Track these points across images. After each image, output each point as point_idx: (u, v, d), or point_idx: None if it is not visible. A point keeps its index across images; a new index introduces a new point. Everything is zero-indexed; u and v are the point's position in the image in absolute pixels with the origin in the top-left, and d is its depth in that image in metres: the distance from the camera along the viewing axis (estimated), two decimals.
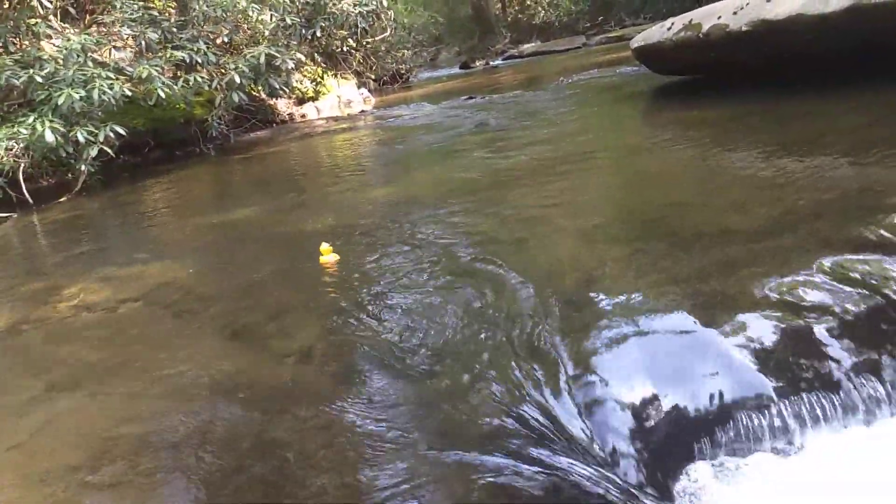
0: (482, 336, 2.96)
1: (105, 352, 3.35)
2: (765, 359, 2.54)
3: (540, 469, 2.17)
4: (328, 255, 4.10)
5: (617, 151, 5.91)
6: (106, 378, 3.04)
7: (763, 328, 2.65)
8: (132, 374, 3.03)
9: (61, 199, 8.11)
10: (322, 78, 14.24)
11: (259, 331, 3.35)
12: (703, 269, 3.12)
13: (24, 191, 8.05)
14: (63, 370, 3.22)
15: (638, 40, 7.97)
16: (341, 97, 14.45)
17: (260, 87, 11.16)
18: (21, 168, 8.12)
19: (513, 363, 2.73)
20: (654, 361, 2.58)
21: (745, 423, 2.38)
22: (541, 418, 2.47)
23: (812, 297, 2.75)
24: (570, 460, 2.18)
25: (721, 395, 2.47)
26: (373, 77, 17.50)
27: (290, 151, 9.74)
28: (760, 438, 2.36)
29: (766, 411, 2.40)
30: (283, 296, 3.81)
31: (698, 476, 2.25)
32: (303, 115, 13.53)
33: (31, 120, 7.73)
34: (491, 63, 21.02)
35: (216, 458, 2.34)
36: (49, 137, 7.57)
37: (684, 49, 7.02)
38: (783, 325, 2.64)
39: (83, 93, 7.81)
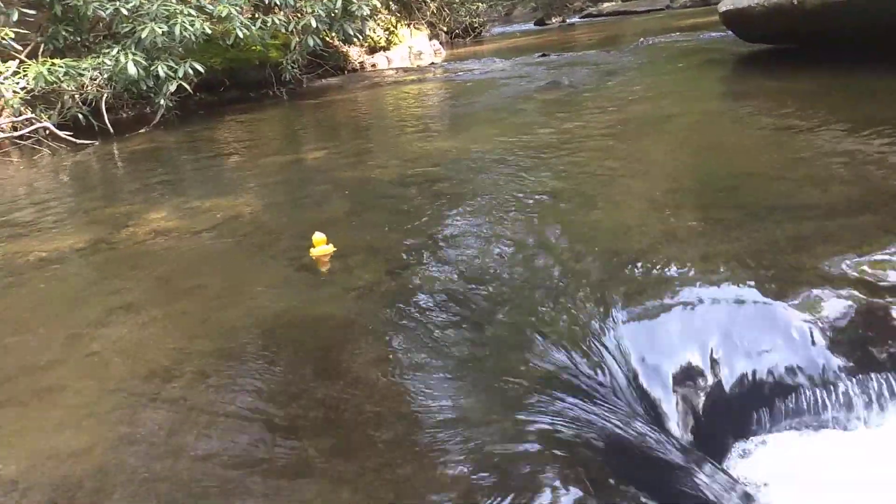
0: (543, 290, 2.96)
1: (179, 275, 3.50)
2: (835, 336, 2.47)
3: (592, 423, 2.19)
4: (321, 247, 3.53)
5: (693, 117, 5.72)
6: (179, 298, 3.18)
7: (835, 305, 2.56)
8: (203, 297, 3.16)
9: (139, 131, 8.40)
10: (395, 27, 14.16)
11: (325, 267, 3.43)
12: (775, 242, 3.02)
13: (106, 120, 8.38)
14: (139, 288, 3.38)
15: (726, 4, 7.62)
16: (412, 48, 14.37)
17: (334, 33, 11.18)
18: (104, 98, 8.44)
19: (572, 320, 2.73)
20: (717, 330, 2.54)
21: (808, 398, 2.33)
22: (596, 375, 2.48)
23: (891, 277, 2.64)
24: (623, 416, 2.19)
25: (785, 368, 2.42)
26: (445, 29, 17.30)
27: (359, 99, 9.79)
28: (823, 415, 2.31)
29: (832, 388, 2.34)
30: (349, 236, 3.88)
31: (756, 447, 2.23)
32: (373, 65, 13.54)
33: (114, 52, 7.98)
34: (567, 20, 20.46)
35: (281, 379, 2.44)
36: (131, 70, 7.81)
37: (775, 16, 6.68)
38: (857, 304, 2.55)
39: (165, 28, 8.00)
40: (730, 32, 8.29)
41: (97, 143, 7.80)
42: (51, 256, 4.00)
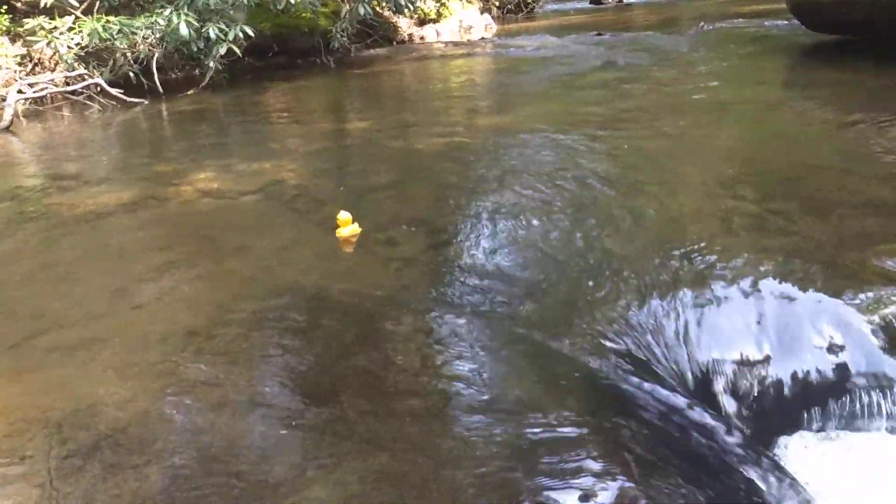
0: (588, 273, 2.89)
1: (223, 235, 3.52)
2: (892, 337, 2.37)
3: (635, 407, 2.14)
4: (346, 228, 3.37)
5: (754, 105, 5.53)
6: (223, 258, 3.20)
7: (894, 306, 2.45)
8: (248, 258, 3.18)
9: (188, 92, 8.46)
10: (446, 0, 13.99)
11: (367, 236, 3.41)
12: (838, 238, 2.91)
13: (156, 80, 8.46)
14: (184, 246, 3.41)
15: None
16: (462, 22, 14.19)
17: (385, 3, 11.08)
18: (155, 58, 8.52)
19: (619, 305, 2.66)
20: (772, 324, 2.45)
21: (862, 399, 2.24)
22: (642, 361, 2.42)
23: None
24: (671, 403, 2.13)
25: (840, 368, 2.33)
26: (497, 4, 17.05)
27: (406, 71, 9.71)
28: (876, 417, 2.22)
29: (888, 391, 2.24)
30: (392, 207, 3.85)
31: (806, 443, 2.15)
32: (422, 37, 13.41)
33: (167, 12, 8.02)
34: (625, 1, 19.97)
35: (323, 343, 2.43)
36: (183, 30, 7.85)
37: (847, 5, 6.40)
38: None
39: None
40: (795, 21, 7.98)
41: (146, 102, 7.89)
42: (98, 210, 4.06)
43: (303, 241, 3.39)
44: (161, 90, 8.37)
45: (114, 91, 7.98)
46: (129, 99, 7.92)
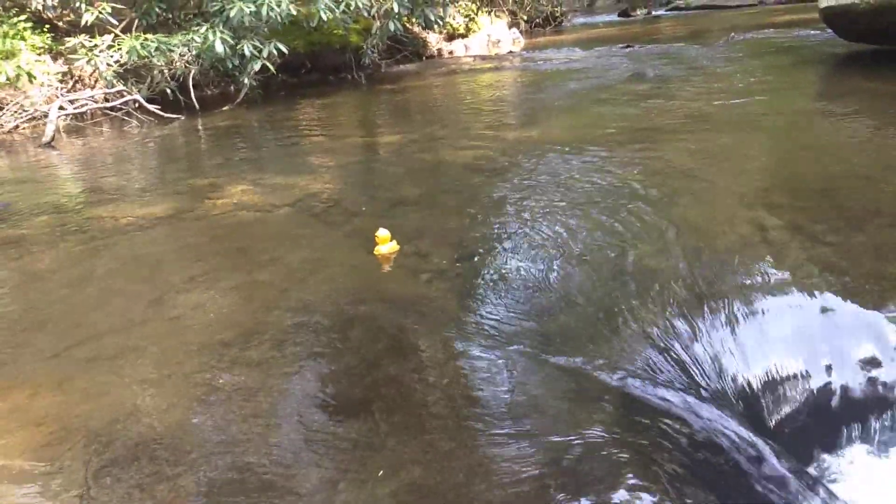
0: (619, 286, 2.87)
1: (257, 247, 3.58)
2: None
3: (669, 419, 2.11)
4: (385, 245, 3.32)
5: (787, 116, 5.46)
6: (257, 270, 3.24)
7: None
8: (281, 270, 3.22)
9: (223, 108, 8.62)
10: (475, 14, 14.07)
11: (389, 265, 3.44)
12: (877, 249, 2.85)
13: (192, 96, 8.65)
14: (219, 257, 3.47)
15: (827, 0, 7.22)
16: (490, 36, 14.25)
17: (415, 19, 11.19)
18: (191, 74, 8.72)
19: (650, 319, 2.64)
20: (810, 338, 2.41)
21: None
22: (673, 374, 2.39)
23: None
24: (711, 412, 2.10)
25: (880, 383, 2.27)
26: (525, 18, 17.09)
27: (435, 86, 9.78)
28: None
29: None
30: (422, 219, 3.87)
31: (847, 459, 2.10)
32: (451, 52, 13.51)
33: (203, 30, 8.21)
34: (653, 12, 19.85)
35: (354, 354, 2.45)
36: (219, 48, 8.02)
37: (883, 14, 6.29)
38: None
39: (253, 7, 8.17)
40: (829, 31, 7.86)
41: (183, 118, 8.06)
42: (136, 222, 4.15)
43: (334, 254, 3.43)
44: (197, 106, 8.55)
45: (151, 107, 8.18)
46: (166, 115, 8.10)
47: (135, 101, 8.24)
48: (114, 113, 8.24)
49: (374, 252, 3.31)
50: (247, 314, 2.77)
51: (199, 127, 7.71)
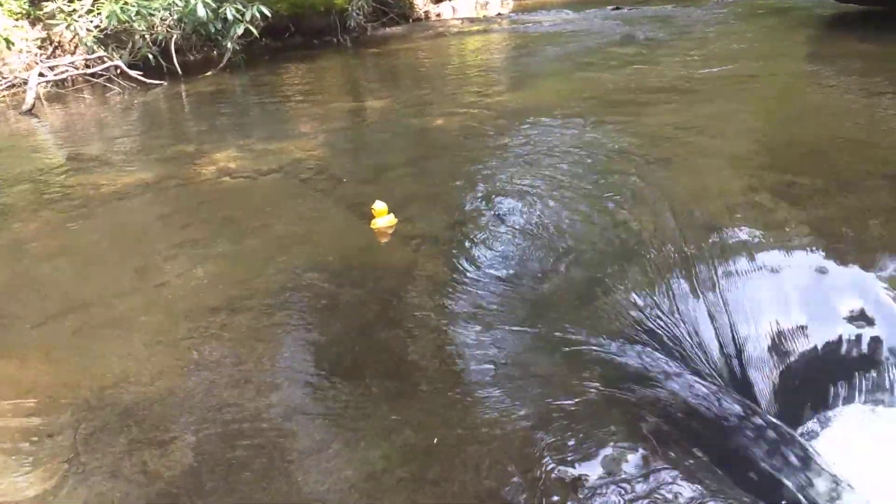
0: (609, 250, 2.87)
1: (244, 214, 3.53)
2: None
3: (657, 380, 2.12)
4: (383, 218, 3.23)
5: (777, 78, 5.42)
6: (244, 237, 3.21)
7: None
8: (268, 237, 3.18)
9: (206, 74, 8.46)
10: None
11: (386, 239, 3.41)
12: (866, 210, 2.85)
13: (175, 62, 8.47)
14: (205, 225, 3.43)
15: None
16: None
17: None
18: (173, 39, 8.53)
19: (642, 281, 2.64)
20: (800, 298, 2.42)
21: (892, 374, 2.20)
22: (664, 336, 2.40)
23: None
24: (697, 374, 2.11)
25: (867, 341, 2.29)
26: None
27: (423, 49, 9.63)
28: None
29: None
30: (411, 185, 3.84)
31: (831, 420, 2.12)
32: (438, 14, 13.27)
33: None
34: None
35: (345, 320, 2.44)
36: (200, 11, 7.85)
37: None
38: None
39: None
40: None
41: (165, 84, 7.91)
42: (120, 190, 4.08)
43: (322, 220, 3.39)
44: (180, 72, 8.38)
45: (133, 73, 8.01)
46: (148, 81, 7.94)
47: (116, 67, 8.06)
48: (95, 79, 8.07)
49: (371, 226, 3.24)
50: (234, 281, 2.75)
51: (183, 93, 7.57)
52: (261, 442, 1.87)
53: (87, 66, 8.13)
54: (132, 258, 3.10)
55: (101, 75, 8.04)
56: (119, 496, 1.71)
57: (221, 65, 8.66)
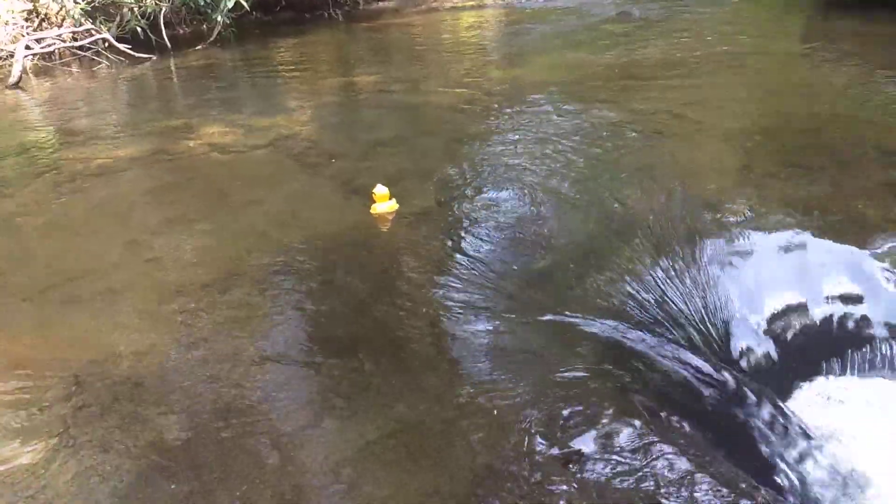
0: (602, 226, 2.86)
1: (235, 189, 3.50)
2: None
3: (649, 355, 2.12)
4: (383, 203, 3.06)
5: (773, 56, 5.39)
6: (236, 212, 3.18)
7: None
8: (260, 212, 3.15)
9: (196, 48, 8.33)
10: None
11: (386, 225, 3.38)
12: (863, 188, 2.85)
13: (164, 35, 8.33)
14: (196, 200, 3.39)
15: None
16: None
17: None
18: (162, 12, 8.38)
19: (634, 257, 2.63)
20: (793, 275, 2.42)
21: (884, 350, 2.21)
22: (658, 310, 2.39)
23: None
24: (689, 350, 2.11)
25: (861, 318, 2.30)
26: None
27: (415, 24, 9.52)
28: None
29: None
30: (403, 160, 3.81)
31: (824, 394, 2.13)
32: None
33: None
34: None
35: (338, 296, 2.43)
36: None
37: None
38: None
39: None
40: None
41: (155, 58, 7.78)
42: (109, 165, 4.03)
43: (314, 195, 3.36)
44: (169, 45, 8.24)
45: (122, 47, 7.87)
46: (137, 54, 7.82)
47: (104, 40, 7.92)
48: (83, 53, 7.93)
49: (371, 210, 3.06)
50: (226, 257, 2.72)
51: (172, 66, 7.46)
52: (253, 416, 1.86)
53: (75, 39, 7.99)
54: (122, 232, 3.06)
55: (89, 48, 7.91)
56: (110, 469, 1.70)
57: (211, 39, 8.53)
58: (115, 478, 1.68)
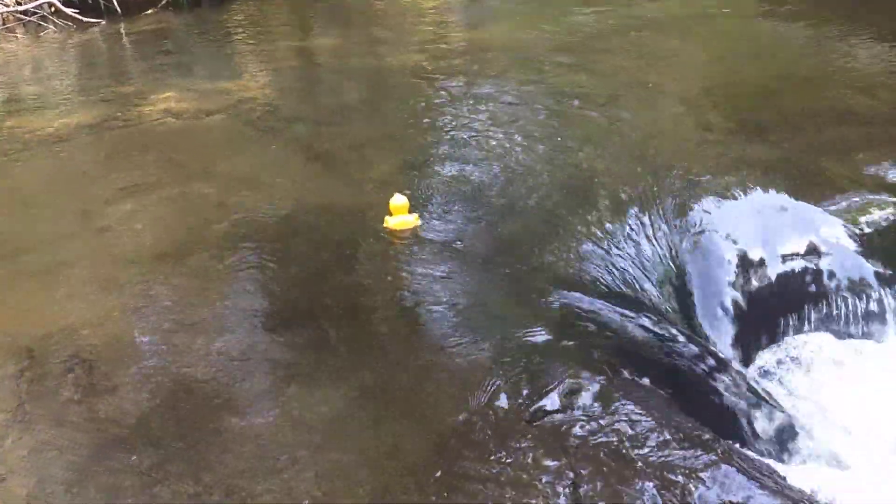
0: (563, 191, 2.86)
1: (190, 156, 3.40)
2: (870, 244, 2.39)
3: (610, 319, 2.13)
4: (397, 217, 2.57)
5: (731, 19, 5.40)
6: (192, 180, 3.08)
7: (874, 213, 2.48)
8: (217, 180, 3.07)
9: (147, 12, 8.02)
10: None
11: (340, 157, 3.32)
12: (815, 147, 2.90)
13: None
14: (150, 168, 3.28)
15: None
16: None
17: None
18: None
19: (595, 222, 2.63)
20: (749, 234, 2.45)
21: (839, 305, 2.27)
22: (618, 276, 2.41)
23: None
24: (647, 310, 2.13)
25: (816, 273, 2.35)
26: None
27: None
28: (853, 324, 2.26)
29: (863, 296, 2.28)
30: (364, 126, 3.74)
31: (782, 348, 2.18)
32: None
33: None
34: None
35: (300, 264, 2.38)
36: None
37: None
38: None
39: None
40: None
41: (104, 23, 7.48)
42: (59, 133, 3.88)
43: (273, 162, 3.29)
44: (119, 10, 7.92)
45: (69, 11, 7.54)
46: (85, 19, 7.50)
47: (50, 4, 7.58)
48: (28, 18, 7.59)
49: (384, 224, 2.58)
50: (182, 226, 2.65)
51: (122, 32, 7.18)
52: (213, 387, 1.83)
53: (19, 4, 7.62)
54: (73, 202, 2.96)
55: (35, 13, 7.56)
56: (66, 443, 1.66)
57: (163, 2, 8.22)
58: (72, 451, 1.64)
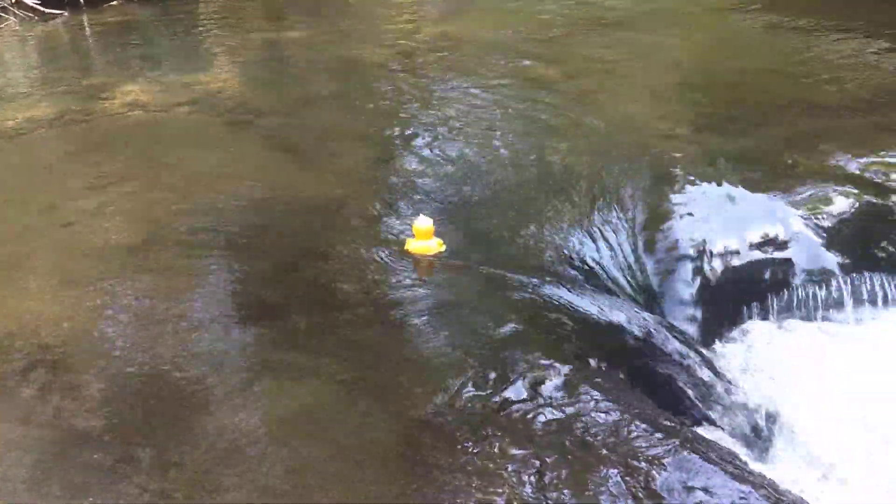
0: (533, 182, 2.89)
1: (158, 149, 3.35)
2: (833, 233, 2.45)
3: (580, 307, 2.16)
4: (420, 241, 2.34)
5: (702, 12, 5.47)
6: (159, 173, 3.04)
7: (837, 203, 2.54)
8: (185, 173, 3.03)
9: (112, 3, 7.87)
10: None
11: (308, 148, 3.31)
12: (783, 138, 2.97)
13: None
14: (116, 161, 3.23)
15: None
16: None
17: None
18: None
19: (564, 211, 2.67)
20: (716, 223, 2.50)
21: (800, 293, 2.33)
22: (587, 264, 2.44)
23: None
24: (612, 300, 2.17)
25: (780, 262, 2.40)
26: None
27: None
28: (814, 310, 2.32)
29: (825, 284, 2.33)
30: (335, 118, 3.73)
31: (746, 336, 2.23)
32: None
33: None
34: None
35: (269, 257, 2.37)
36: None
37: None
38: (858, 202, 2.52)
39: None
40: None
41: (66, 14, 7.31)
42: (22, 126, 3.80)
43: (241, 154, 3.26)
44: (82, 1, 7.76)
45: (30, 2, 7.37)
46: (47, 10, 7.33)
47: None
48: None
49: (406, 247, 2.39)
50: (149, 220, 2.61)
51: (86, 23, 7.03)
52: (182, 383, 1.81)
53: None
54: (37, 197, 2.90)
55: None
56: (31, 442, 1.64)
57: None
58: (37, 450, 1.62)
